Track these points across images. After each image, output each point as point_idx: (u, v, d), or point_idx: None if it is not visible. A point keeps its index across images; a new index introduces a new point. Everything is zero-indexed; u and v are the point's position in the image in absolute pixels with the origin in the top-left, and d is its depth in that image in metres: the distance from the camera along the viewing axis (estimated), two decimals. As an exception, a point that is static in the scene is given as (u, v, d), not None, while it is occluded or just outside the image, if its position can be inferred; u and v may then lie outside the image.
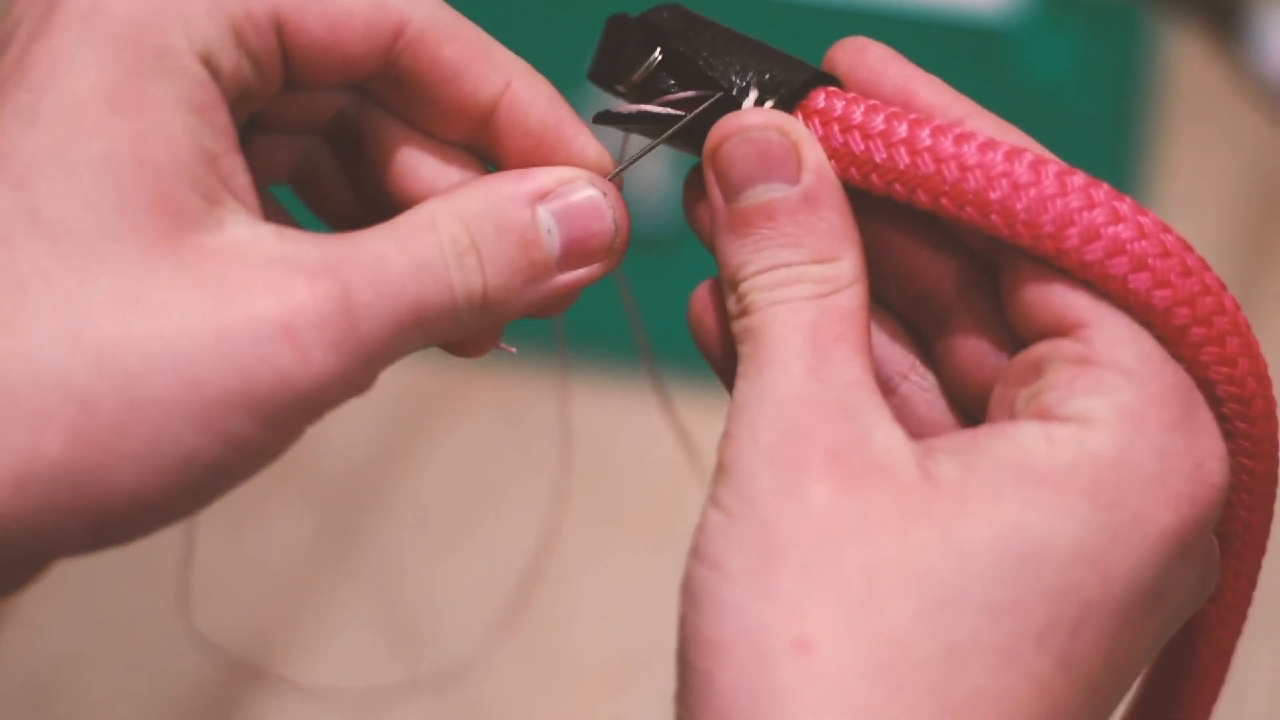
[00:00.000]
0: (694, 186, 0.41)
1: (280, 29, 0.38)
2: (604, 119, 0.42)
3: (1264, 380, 0.38)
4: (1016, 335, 0.38)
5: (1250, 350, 0.37)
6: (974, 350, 0.40)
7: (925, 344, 0.42)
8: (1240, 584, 0.41)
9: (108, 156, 0.35)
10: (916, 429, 0.41)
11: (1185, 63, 1.07)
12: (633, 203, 0.43)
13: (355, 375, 0.36)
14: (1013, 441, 0.35)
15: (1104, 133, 1.05)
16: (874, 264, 0.41)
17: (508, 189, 0.40)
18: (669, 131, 0.41)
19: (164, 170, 0.35)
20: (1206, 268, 0.37)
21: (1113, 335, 0.36)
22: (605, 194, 0.40)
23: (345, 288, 0.36)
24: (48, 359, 0.33)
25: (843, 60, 0.40)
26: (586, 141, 0.41)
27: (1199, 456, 0.36)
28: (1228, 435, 0.38)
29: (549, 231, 0.40)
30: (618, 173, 0.42)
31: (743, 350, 0.38)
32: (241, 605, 0.89)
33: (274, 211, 0.43)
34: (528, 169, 0.40)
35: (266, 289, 0.35)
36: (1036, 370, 0.37)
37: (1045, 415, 0.36)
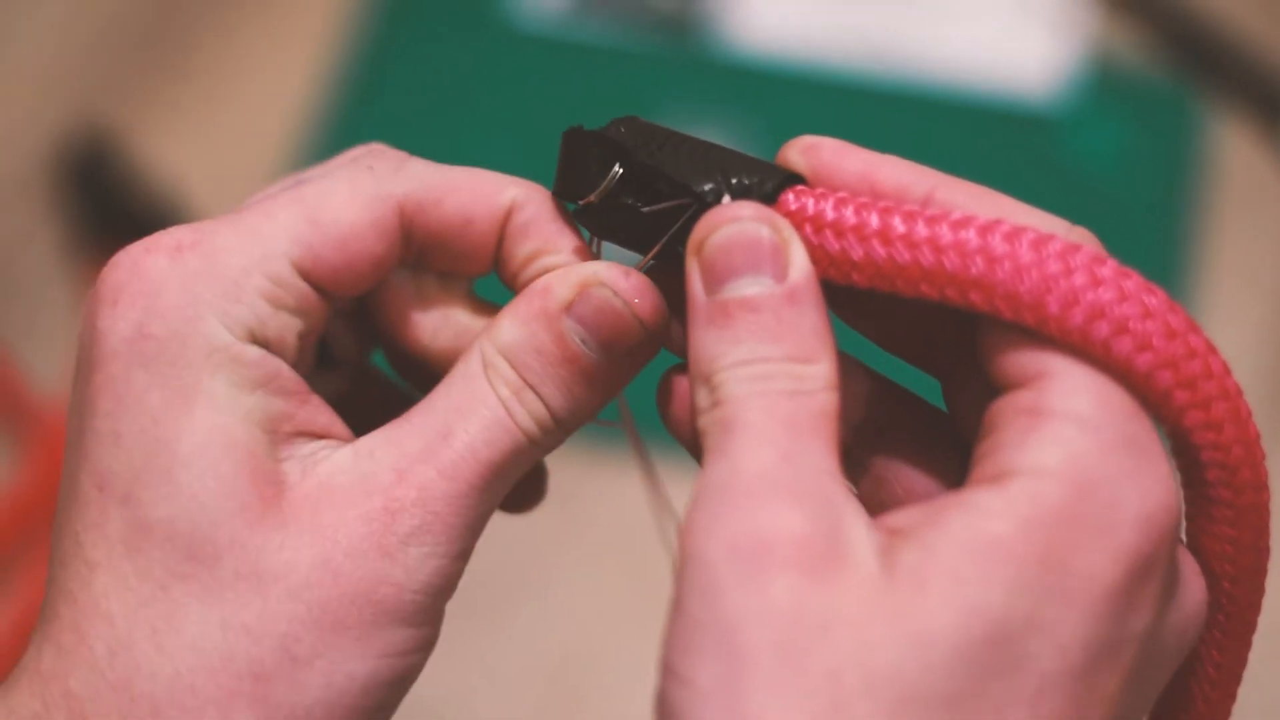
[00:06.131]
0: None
1: (306, 276, 0.40)
2: (581, 217, 0.42)
3: (1252, 447, 0.37)
4: (993, 386, 0.38)
5: (1238, 416, 0.36)
6: (970, 399, 0.40)
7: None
8: (1226, 660, 0.40)
9: (197, 453, 0.38)
10: (910, 478, 0.42)
11: (1232, 151, 1.07)
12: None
13: (465, 548, 0.40)
14: (970, 510, 0.35)
15: (1149, 220, 1.05)
16: (875, 309, 0.41)
17: (533, 308, 0.41)
18: (652, 251, 0.41)
19: (249, 448, 0.39)
20: (1194, 329, 0.36)
21: (1072, 385, 0.36)
22: (616, 292, 0.41)
23: (422, 490, 0.39)
24: (210, 648, 0.38)
25: (798, 162, 0.40)
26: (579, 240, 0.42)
27: (1149, 509, 0.35)
28: (1210, 503, 0.37)
29: (583, 341, 0.41)
30: (641, 266, 0.41)
31: (710, 443, 0.37)
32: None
33: (363, 377, 0.47)
34: (549, 282, 0.41)
35: (360, 520, 0.39)
36: (993, 425, 0.37)
37: (1000, 472, 0.35)
